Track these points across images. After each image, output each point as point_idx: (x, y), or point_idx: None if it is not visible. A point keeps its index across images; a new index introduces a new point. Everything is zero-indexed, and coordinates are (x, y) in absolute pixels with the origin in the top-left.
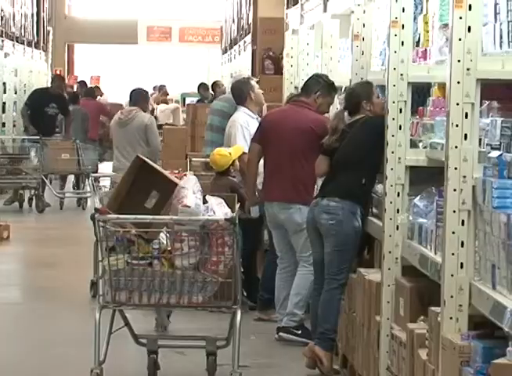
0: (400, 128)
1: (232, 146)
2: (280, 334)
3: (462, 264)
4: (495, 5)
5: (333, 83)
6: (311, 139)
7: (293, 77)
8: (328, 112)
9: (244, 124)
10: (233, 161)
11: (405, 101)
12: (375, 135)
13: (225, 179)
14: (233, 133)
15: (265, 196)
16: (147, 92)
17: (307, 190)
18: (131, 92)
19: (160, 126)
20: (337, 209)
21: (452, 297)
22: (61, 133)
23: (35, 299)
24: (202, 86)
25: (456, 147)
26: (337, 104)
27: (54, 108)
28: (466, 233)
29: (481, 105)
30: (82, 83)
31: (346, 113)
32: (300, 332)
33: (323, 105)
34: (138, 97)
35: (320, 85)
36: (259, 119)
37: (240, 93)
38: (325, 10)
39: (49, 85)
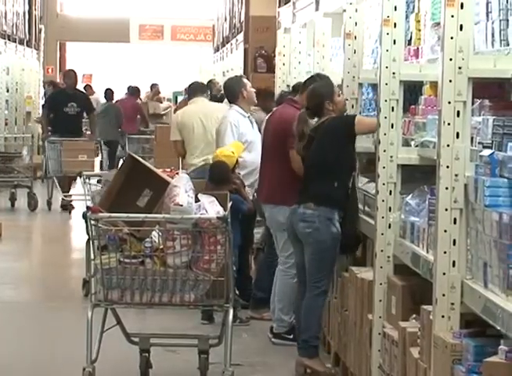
0: (392, 126)
1: (230, 144)
2: (273, 339)
3: (454, 262)
4: (487, 3)
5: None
6: (281, 139)
7: (286, 76)
8: None
9: (234, 122)
10: (237, 160)
11: (397, 99)
12: (340, 135)
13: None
14: (223, 130)
15: (257, 196)
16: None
17: (288, 192)
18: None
19: None
20: (313, 217)
21: (444, 295)
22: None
23: (27, 298)
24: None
25: (448, 146)
26: None
27: (74, 107)
28: (458, 232)
29: (472, 103)
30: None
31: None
32: (291, 336)
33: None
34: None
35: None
36: (251, 117)
37: (233, 91)
38: (317, 9)
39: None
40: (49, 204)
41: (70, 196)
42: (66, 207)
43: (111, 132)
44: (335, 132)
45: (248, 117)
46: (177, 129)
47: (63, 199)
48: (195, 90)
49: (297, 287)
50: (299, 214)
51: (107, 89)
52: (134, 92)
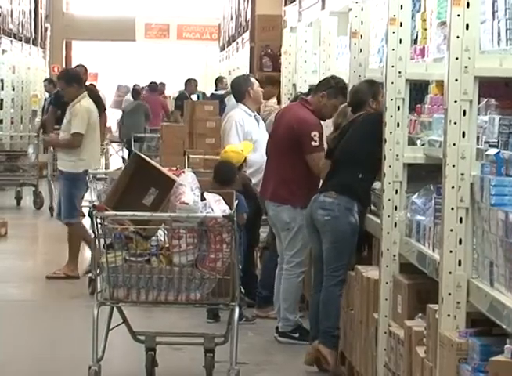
0: (398, 125)
1: (240, 144)
2: (279, 338)
3: (460, 261)
4: (493, 2)
5: (344, 87)
6: (291, 138)
7: (291, 75)
8: (332, 116)
9: (239, 121)
10: (245, 158)
11: (403, 98)
12: (373, 131)
13: (239, 176)
14: (227, 129)
15: (260, 193)
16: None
17: (294, 191)
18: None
19: None
20: (332, 205)
21: (450, 294)
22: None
23: (33, 296)
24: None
25: (454, 145)
26: None
27: None
28: (464, 231)
29: (478, 102)
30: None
31: (349, 110)
32: (297, 335)
33: (327, 107)
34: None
35: (329, 86)
36: (257, 117)
37: (239, 90)
38: (323, 8)
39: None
40: (51, 209)
41: None
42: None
43: (140, 130)
44: (369, 128)
45: (254, 116)
46: None
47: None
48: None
49: (301, 283)
50: (319, 202)
51: (134, 87)
52: (154, 88)
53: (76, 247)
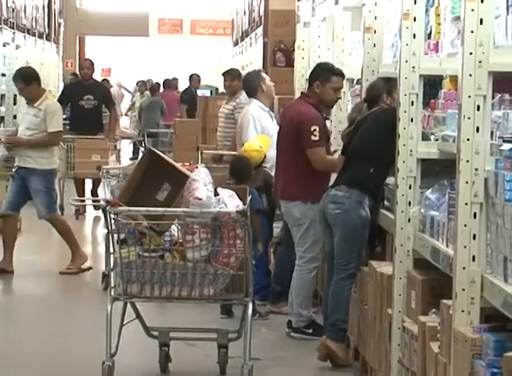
0: (412, 120)
1: (256, 138)
2: (292, 334)
3: (474, 257)
4: None
5: (331, 67)
6: (294, 134)
7: (305, 70)
8: (340, 98)
9: (257, 116)
10: (265, 154)
11: (417, 94)
12: (385, 127)
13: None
14: (245, 125)
15: (274, 191)
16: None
17: (302, 186)
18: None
19: None
20: (343, 198)
21: (463, 290)
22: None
23: (46, 291)
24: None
25: (468, 140)
26: (348, 96)
27: (91, 100)
28: (478, 226)
29: (492, 97)
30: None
31: (365, 106)
32: (311, 331)
33: (326, 93)
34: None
35: (318, 74)
36: (270, 112)
37: (252, 85)
38: (336, 2)
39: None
40: (62, 209)
41: (83, 201)
42: (79, 212)
43: (155, 126)
44: (381, 123)
45: (268, 111)
46: None
47: (71, 203)
48: None
49: (314, 278)
50: (330, 196)
51: (154, 83)
52: (169, 84)
53: (71, 238)
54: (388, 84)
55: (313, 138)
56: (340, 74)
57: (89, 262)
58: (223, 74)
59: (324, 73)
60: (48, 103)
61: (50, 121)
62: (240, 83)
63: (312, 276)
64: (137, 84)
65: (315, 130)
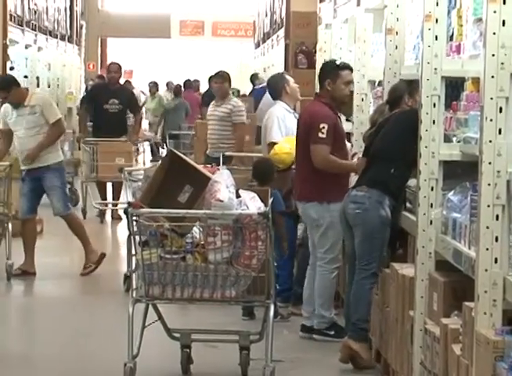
0: (434, 122)
1: (284, 140)
2: (314, 336)
3: (496, 259)
4: None
5: (335, 63)
6: (304, 133)
7: None
8: (352, 91)
9: (281, 117)
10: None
11: (439, 95)
12: (406, 128)
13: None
14: (270, 125)
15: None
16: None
17: (317, 187)
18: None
19: None
20: (363, 198)
21: (485, 292)
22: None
23: (68, 293)
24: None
25: (490, 142)
26: (370, 98)
27: (115, 104)
28: (500, 228)
29: None
30: (100, 77)
31: (387, 108)
32: (332, 332)
33: (337, 89)
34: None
35: (326, 73)
36: (295, 113)
37: (276, 87)
38: (358, 4)
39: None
40: (84, 212)
41: (106, 205)
42: (103, 215)
43: (177, 128)
44: (402, 124)
45: (293, 112)
46: None
47: (94, 206)
48: None
49: (335, 279)
50: (351, 196)
51: (176, 85)
52: (189, 85)
53: (84, 234)
54: (410, 86)
55: (320, 135)
56: (348, 68)
57: (111, 264)
58: (212, 77)
59: (332, 70)
60: (37, 97)
61: (49, 112)
62: (230, 85)
63: (333, 276)
64: (148, 85)
65: (323, 127)
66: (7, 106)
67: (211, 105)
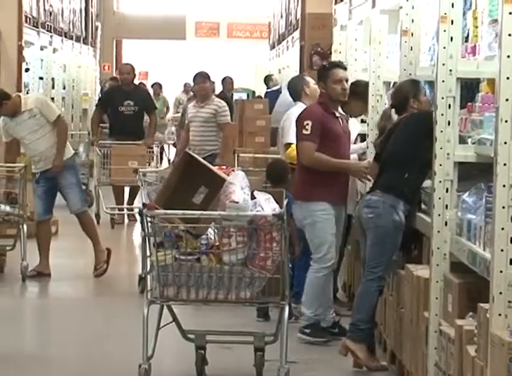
0: (449, 123)
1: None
2: (297, 334)
3: (511, 260)
4: None
5: (325, 65)
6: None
7: None
8: (345, 88)
9: None
10: None
11: (454, 97)
12: (417, 131)
13: None
14: (287, 126)
15: None
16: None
17: (304, 186)
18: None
19: None
20: (377, 203)
21: (500, 293)
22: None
23: (83, 294)
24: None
25: (506, 143)
26: (385, 99)
27: (131, 106)
28: None
29: None
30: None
31: (393, 112)
32: (308, 331)
33: (330, 88)
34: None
35: (319, 76)
36: None
37: (296, 89)
38: (373, 6)
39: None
40: (98, 217)
41: (122, 209)
42: (114, 221)
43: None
44: (412, 128)
45: None
46: None
47: (105, 211)
48: None
49: (322, 279)
50: (365, 200)
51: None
52: None
53: (95, 234)
54: (414, 88)
55: (304, 131)
56: (337, 66)
57: (126, 265)
58: (193, 78)
59: (323, 72)
60: (32, 100)
61: (47, 111)
62: (211, 85)
63: (319, 276)
64: (152, 86)
65: (307, 124)
66: (5, 119)
67: (192, 106)
